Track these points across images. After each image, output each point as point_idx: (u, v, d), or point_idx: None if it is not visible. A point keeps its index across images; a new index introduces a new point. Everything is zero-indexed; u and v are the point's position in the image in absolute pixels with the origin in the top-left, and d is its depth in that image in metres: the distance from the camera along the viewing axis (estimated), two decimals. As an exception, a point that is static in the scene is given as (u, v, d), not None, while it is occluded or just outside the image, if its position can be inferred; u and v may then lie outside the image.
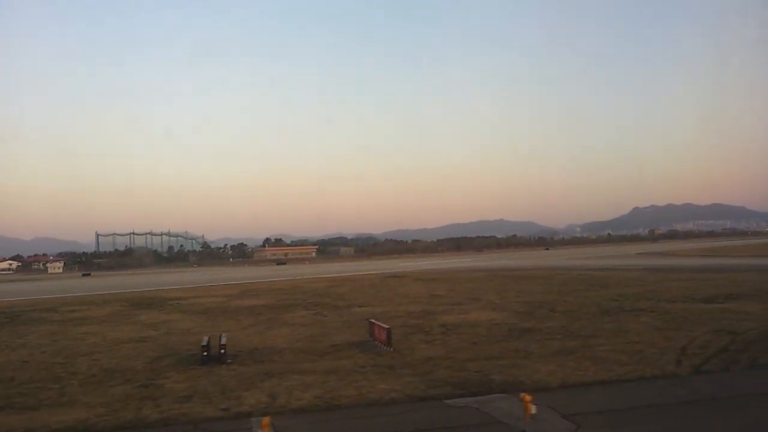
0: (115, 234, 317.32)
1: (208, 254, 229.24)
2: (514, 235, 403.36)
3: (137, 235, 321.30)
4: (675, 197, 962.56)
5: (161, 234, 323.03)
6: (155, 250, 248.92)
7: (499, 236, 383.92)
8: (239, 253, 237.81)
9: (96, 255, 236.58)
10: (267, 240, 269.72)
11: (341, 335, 25.82)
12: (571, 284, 48.10)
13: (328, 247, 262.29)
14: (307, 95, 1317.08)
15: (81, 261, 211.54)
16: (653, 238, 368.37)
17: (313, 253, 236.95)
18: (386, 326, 22.56)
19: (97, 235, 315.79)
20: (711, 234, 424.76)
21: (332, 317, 32.20)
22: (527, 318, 29.26)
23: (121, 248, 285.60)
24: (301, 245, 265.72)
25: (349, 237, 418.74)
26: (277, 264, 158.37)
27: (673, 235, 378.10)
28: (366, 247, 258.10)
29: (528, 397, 13.14)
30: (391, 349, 21.67)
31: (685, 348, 20.57)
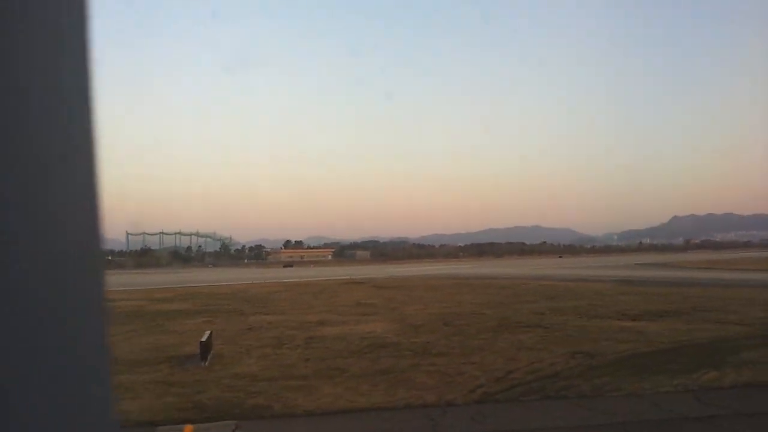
0: (144, 233, 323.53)
1: (226, 255, 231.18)
2: (544, 242, 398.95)
3: (167, 234, 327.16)
4: (715, 207, 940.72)
5: (190, 234, 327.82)
6: (175, 250, 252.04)
7: (529, 243, 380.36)
8: (256, 254, 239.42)
9: (120, 254, 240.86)
10: (287, 242, 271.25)
11: (190, 347, 24.58)
12: (520, 295, 46.04)
13: (345, 251, 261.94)
14: (359, 94, 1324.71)
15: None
16: (687, 247, 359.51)
17: (329, 256, 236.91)
18: (202, 339, 21.14)
19: (127, 234, 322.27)
20: (747, 244, 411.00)
21: (218, 325, 30.98)
22: (411, 332, 27.58)
23: (155, 247, 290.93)
24: (321, 248, 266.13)
25: (383, 241, 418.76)
26: (284, 267, 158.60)
27: (706, 246, 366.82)
28: (386, 251, 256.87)
29: (188, 429, 11.65)
30: (204, 363, 20.29)
31: (511, 372, 18.75)
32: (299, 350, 23.51)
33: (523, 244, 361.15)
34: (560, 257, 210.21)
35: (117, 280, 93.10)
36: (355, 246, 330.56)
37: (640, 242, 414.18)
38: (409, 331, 27.73)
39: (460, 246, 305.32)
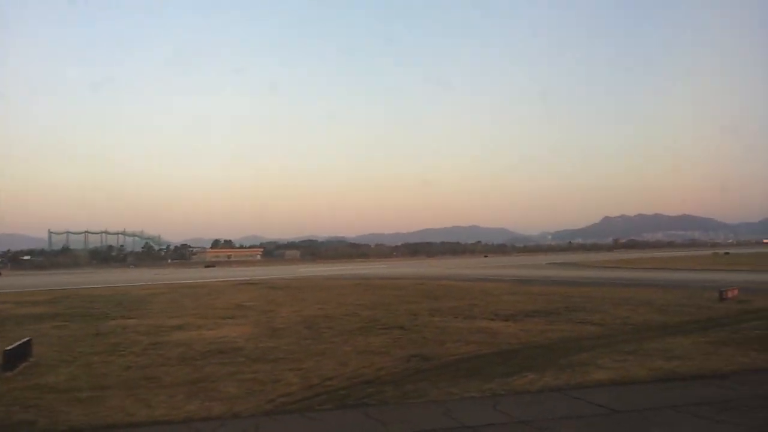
0: (68, 232, 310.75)
1: (149, 255, 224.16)
2: (478, 242, 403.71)
3: (92, 233, 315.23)
4: (645, 207, 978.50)
5: (116, 233, 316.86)
6: (95, 250, 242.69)
7: (463, 242, 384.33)
8: (179, 254, 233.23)
9: (39, 253, 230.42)
10: (216, 242, 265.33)
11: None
12: (409, 296, 45.60)
13: (274, 251, 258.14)
14: (291, 97, 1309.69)
15: (10, 258, 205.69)
16: (614, 247, 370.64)
17: (258, 256, 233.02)
18: (8, 348, 19.50)
19: (50, 233, 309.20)
20: (671, 244, 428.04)
21: (67, 331, 29.19)
22: (266, 336, 26.51)
23: (79, 247, 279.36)
24: (250, 248, 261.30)
25: (320, 240, 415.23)
26: (205, 267, 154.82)
27: (632, 245, 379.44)
28: (318, 250, 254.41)
29: None
30: (10, 373, 18.71)
31: (330, 378, 17.93)
32: (130, 357, 22.13)
33: (458, 243, 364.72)
34: (485, 257, 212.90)
35: (4, 282, 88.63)
36: (291, 245, 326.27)
37: (570, 242, 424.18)
38: (263, 336, 26.67)
39: (394, 246, 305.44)
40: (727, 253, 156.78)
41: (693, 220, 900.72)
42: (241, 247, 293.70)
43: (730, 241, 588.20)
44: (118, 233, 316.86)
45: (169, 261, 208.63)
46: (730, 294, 36.35)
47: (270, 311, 35.97)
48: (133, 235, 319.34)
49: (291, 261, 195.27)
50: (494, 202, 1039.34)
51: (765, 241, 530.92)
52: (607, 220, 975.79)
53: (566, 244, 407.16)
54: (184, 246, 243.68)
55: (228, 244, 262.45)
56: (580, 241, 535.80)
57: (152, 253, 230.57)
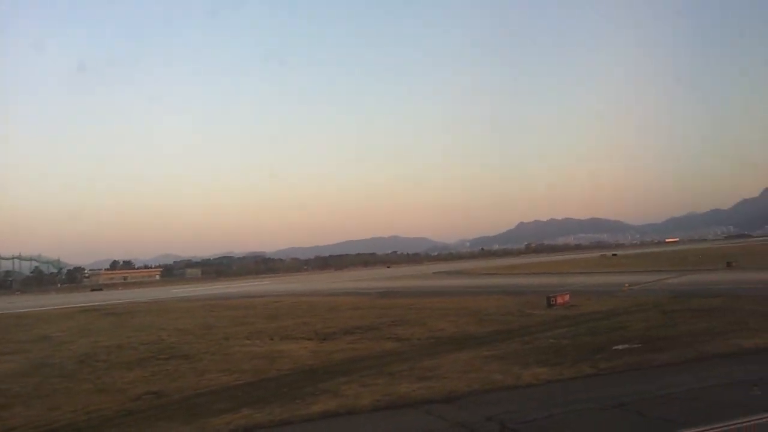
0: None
1: (39, 280, 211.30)
2: (395, 252, 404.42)
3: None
4: (557, 212, 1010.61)
5: (11, 258, 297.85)
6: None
7: (381, 253, 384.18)
8: (72, 277, 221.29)
9: None
10: (114, 263, 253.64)
11: None
12: (249, 316, 43.04)
13: (175, 270, 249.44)
14: (199, 106, 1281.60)
15: None
16: (526, 251, 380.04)
17: (158, 276, 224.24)
18: None
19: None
20: (579, 246, 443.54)
21: None
22: (19, 375, 23.59)
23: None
24: (149, 269, 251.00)
25: (238, 256, 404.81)
26: (92, 290, 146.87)
27: (542, 249, 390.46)
28: (222, 268, 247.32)
29: None
30: None
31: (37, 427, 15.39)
32: None
33: (373, 254, 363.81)
34: (388, 267, 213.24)
35: None
36: (206, 263, 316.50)
37: (482, 248, 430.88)
38: (18, 373, 23.68)
39: (305, 260, 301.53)
40: (614, 255, 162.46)
41: (602, 223, 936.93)
42: (146, 267, 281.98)
43: (635, 242, 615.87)
44: (13, 258, 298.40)
45: (59, 285, 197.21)
46: (559, 300, 35.88)
47: (65, 343, 32.70)
48: (30, 259, 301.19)
49: (190, 281, 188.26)
50: (414, 213, 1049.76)
51: (667, 240, 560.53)
52: (521, 225, 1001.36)
53: (479, 250, 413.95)
54: (78, 269, 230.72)
55: (127, 265, 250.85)
56: (496, 246, 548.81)
57: (43, 277, 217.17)
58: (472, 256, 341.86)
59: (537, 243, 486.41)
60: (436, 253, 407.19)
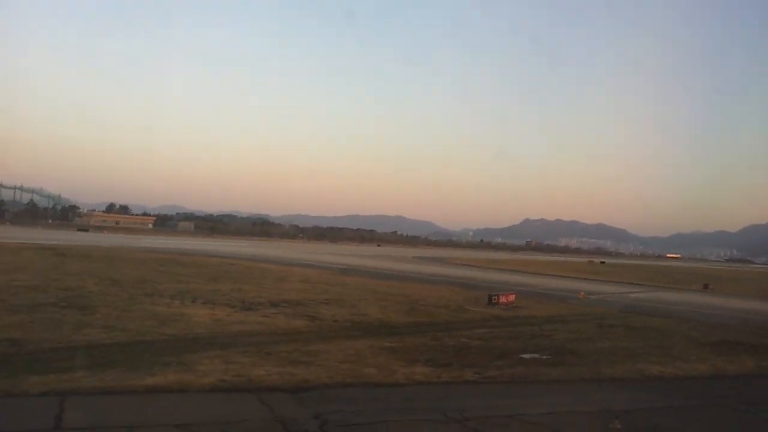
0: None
1: (31, 213, 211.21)
2: (395, 232, 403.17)
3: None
4: (564, 213, 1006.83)
5: (13, 188, 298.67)
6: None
7: (381, 231, 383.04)
8: (65, 215, 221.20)
9: None
10: (111, 206, 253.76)
11: None
12: (192, 275, 41.65)
13: (168, 221, 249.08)
14: (226, 69, 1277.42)
15: None
16: (524, 248, 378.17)
17: (150, 225, 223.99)
18: None
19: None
20: (578, 250, 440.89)
21: None
22: None
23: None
24: (142, 216, 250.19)
25: (242, 216, 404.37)
26: (78, 230, 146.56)
27: (539, 248, 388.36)
28: (222, 225, 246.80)
29: None
30: None
31: None
32: None
33: (373, 231, 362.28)
34: (378, 246, 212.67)
35: None
36: (209, 219, 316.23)
37: (482, 240, 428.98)
38: None
39: (303, 228, 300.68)
40: (602, 262, 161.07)
41: (607, 230, 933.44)
42: (145, 214, 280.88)
43: (636, 252, 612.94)
44: (14, 187, 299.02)
45: (50, 221, 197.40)
46: (503, 299, 34.72)
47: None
48: (31, 191, 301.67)
49: (180, 233, 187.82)
50: (421, 195, 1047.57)
51: (668, 255, 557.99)
52: (527, 222, 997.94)
53: (479, 241, 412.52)
54: (72, 207, 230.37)
55: (124, 209, 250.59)
56: (498, 240, 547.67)
57: (38, 211, 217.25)
58: (470, 246, 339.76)
59: (537, 242, 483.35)
60: (435, 239, 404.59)
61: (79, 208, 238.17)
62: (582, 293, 46.24)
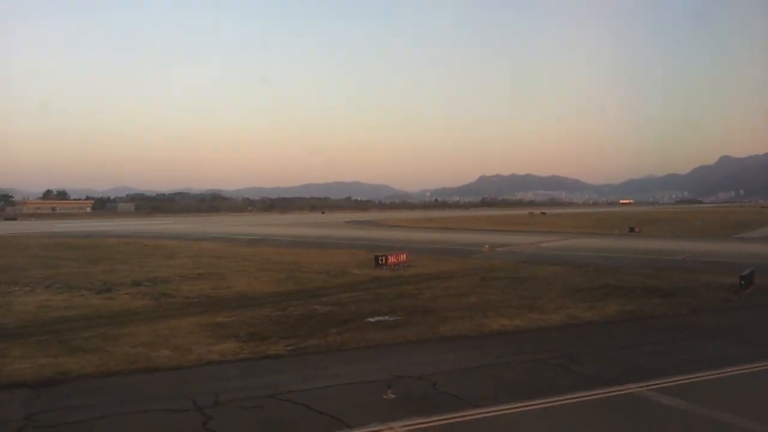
0: None
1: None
2: (349, 198, 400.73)
3: None
4: (518, 168, 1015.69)
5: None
6: None
7: (336, 198, 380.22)
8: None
9: None
10: (48, 192, 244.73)
11: None
12: (75, 257, 40.16)
13: (107, 203, 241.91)
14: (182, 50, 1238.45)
15: None
16: (480, 205, 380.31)
17: (89, 209, 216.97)
18: None
19: None
20: (532, 203, 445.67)
21: None
22: None
23: None
24: (81, 200, 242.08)
25: (194, 192, 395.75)
26: (5, 219, 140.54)
27: (496, 204, 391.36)
28: (163, 204, 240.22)
29: None
30: None
31: None
32: None
33: (326, 199, 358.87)
34: (322, 213, 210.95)
35: None
36: (161, 197, 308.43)
37: (436, 200, 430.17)
38: None
39: (252, 200, 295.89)
40: (543, 213, 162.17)
41: (561, 181, 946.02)
42: (89, 198, 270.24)
43: (590, 201, 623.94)
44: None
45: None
46: (391, 260, 33.18)
47: None
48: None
49: (119, 215, 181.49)
50: (377, 159, 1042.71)
51: (621, 201, 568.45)
52: (483, 179, 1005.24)
53: (433, 201, 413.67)
54: (5, 196, 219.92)
55: (61, 195, 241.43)
56: (456, 198, 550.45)
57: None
58: (424, 206, 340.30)
59: (491, 198, 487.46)
60: (390, 201, 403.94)
61: (12, 196, 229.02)
62: (486, 246, 45.09)
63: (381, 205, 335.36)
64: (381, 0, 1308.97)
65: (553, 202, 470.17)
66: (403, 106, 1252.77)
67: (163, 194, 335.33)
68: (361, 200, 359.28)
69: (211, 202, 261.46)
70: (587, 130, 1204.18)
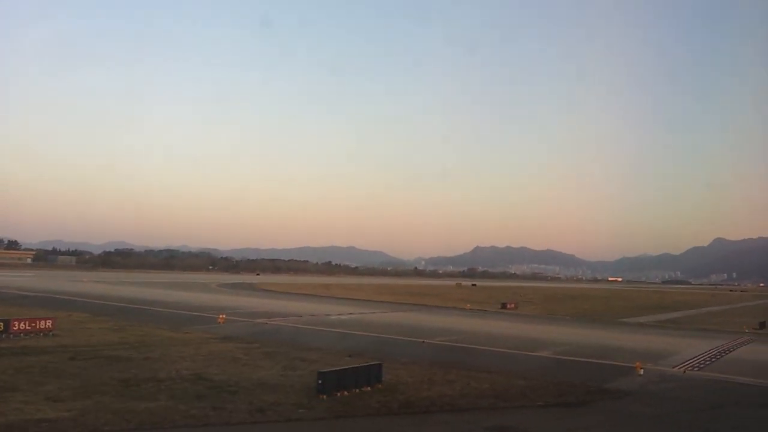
0: None
1: None
2: (306, 261, 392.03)
3: None
4: (513, 240, 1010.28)
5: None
6: None
7: (315, 262, 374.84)
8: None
9: None
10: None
11: None
12: None
13: (49, 256, 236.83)
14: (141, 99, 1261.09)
15: None
16: (460, 275, 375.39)
17: (29, 260, 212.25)
18: None
19: None
20: (513, 276, 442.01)
21: None
22: None
23: None
24: (23, 251, 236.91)
25: (191, 250, 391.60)
26: None
27: (475, 275, 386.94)
28: (111, 258, 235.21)
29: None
30: None
31: None
32: None
33: (301, 262, 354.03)
34: (257, 274, 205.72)
35: None
36: (149, 253, 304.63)
37: (415, 268, 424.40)
38: None
39: (213, 259, 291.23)
40: (474, 285, 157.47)
41: (556, 256, 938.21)
42: (27, 249, 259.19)
43: (581, 277, 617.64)
44: None
45: None
46: (19, 326, 28.58)
47: None
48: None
49: (55, 267, 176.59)
50: (372, 227, 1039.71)
51: (611, 279, 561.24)
52: (478, 249, 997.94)
53: (412, 269, 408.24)
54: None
55: (13, 244, 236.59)
56: (450, 268, 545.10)
57: None
58: (396, 273, 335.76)
59: (475, 269, 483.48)
60: (357, 267, 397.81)
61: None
62: (222, 316, 41.13)
63: (349, 270, 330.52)
64: (381, 66, 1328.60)
65: (535, 276, 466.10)
66: (399, 174, 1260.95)
67: (152, 250, 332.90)
68: (334, 264, 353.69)
69: (168, 260, 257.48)
70: (584, 207, 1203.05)
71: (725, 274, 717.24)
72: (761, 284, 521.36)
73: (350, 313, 53.24)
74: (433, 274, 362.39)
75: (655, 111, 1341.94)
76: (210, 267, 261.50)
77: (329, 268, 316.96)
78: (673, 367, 29.77)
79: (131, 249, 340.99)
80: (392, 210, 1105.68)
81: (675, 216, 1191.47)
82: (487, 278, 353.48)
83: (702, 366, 30.88)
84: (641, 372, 27.20)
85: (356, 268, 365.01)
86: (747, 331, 53.91)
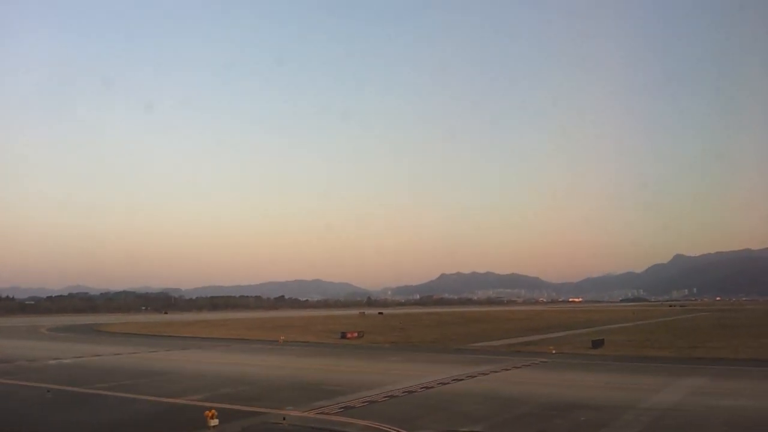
0: None
1: None
2: (282, 297, 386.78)
3: None
4: (479, 266, 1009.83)
5: None
6: None
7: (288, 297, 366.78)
8: None
9: None
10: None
11: None
12: None
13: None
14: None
15: None
16: (418, 302, 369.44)
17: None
18: None
19: None
20: (469, 301, 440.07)
21: None
22: None
23: None
24: None
25: (152, 291, 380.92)
26: None
27: (429, 302, 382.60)
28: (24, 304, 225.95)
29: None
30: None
31: None
32: None
33: (254, 297, 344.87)
34: (165, 313, 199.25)
35: None
36: (104, 296, 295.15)
37: (368, 298, 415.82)
38: None
39: (148, 299, 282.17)
40: (380, 313, 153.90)
41: (521, 279, 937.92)
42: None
43: (544, 299, 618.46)
44: None
45: None
46: None
47: None
48: None
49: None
50: (337, 258, 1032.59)
51: (571, 299, 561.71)
52: (444, 276, 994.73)
53: (355, 300, 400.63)
54: None
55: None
56: (417, 296, 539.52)
57: None
58: (343, 305, 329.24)
59: (440, 297, 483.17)
60: (320, 299, 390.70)
61: None
62: None
63: (295, 303, 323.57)
64: (346, 100, 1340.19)
65: (491, 301, 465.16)
66: (361, 206, 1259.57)
67: (108, 292, 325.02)
68: (280, 298, 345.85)
69: (91, 302, 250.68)
70: (548, 229, 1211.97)
71: (686, 290, 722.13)
72: (717, 298, 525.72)
73: (117, 354, 47.03)
74: (384, 303, 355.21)
75: (611, 135, 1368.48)
76: (143, 308, 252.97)
77: (276, 303, 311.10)
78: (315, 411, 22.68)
79: (86, 293, 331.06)
80: (358, 241, 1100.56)
81: (636, 234, 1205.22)
82: (444, 305, 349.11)
83: (370, 403, 24.43)
84: (214, 423, 19.70)
85: (306, 301, 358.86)
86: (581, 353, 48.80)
